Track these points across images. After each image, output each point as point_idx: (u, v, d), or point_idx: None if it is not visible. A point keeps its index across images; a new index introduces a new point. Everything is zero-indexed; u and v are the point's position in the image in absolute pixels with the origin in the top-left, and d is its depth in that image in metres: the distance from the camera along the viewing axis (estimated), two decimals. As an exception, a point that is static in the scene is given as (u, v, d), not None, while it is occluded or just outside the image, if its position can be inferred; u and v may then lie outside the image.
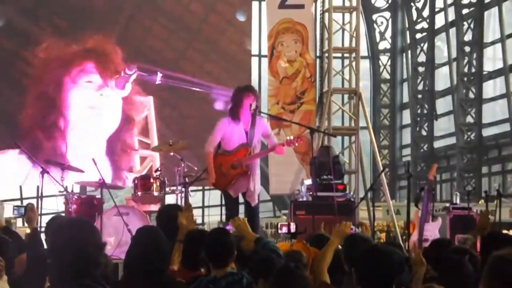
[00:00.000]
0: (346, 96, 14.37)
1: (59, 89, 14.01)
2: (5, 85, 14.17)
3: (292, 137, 9.36)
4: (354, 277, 4.36)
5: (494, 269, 3.34)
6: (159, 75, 14.39)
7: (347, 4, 14.81)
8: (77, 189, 12.18)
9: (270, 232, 15.74)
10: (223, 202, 9.85)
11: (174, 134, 14.26)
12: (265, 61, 15.80)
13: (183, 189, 10.13)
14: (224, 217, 10.21)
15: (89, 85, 14.10)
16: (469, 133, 19.62)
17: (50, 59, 14.04)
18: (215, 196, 13.96)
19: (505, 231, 11.16)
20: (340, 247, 5.69)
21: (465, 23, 19.57)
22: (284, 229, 6.94)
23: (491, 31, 19.79)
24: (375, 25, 22.93)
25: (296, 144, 9.36)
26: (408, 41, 22.24)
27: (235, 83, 14.48)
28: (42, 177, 9.56)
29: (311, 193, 10.55)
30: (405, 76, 22.82)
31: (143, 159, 14.39)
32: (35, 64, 14.09)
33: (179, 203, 10.04)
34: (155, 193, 10.12)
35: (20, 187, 17.99)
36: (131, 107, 14.37)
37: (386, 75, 23.18)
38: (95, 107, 14.19)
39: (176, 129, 14.47)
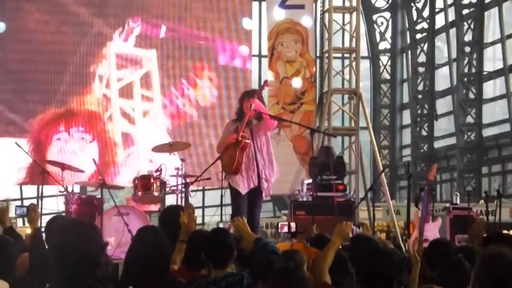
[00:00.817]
0: (346, 97, 14.38)
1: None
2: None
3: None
4: (355, 277, 4.37)
5: (483, 266, 3.38)
6: (164, 28, 14.58)
7: (347, 4, 14.81)
8: (77, 189, 12.19)
9: (270, 232, 15.73)
10: (223, 202, 9.83)
11: (177, 87, 14.49)
12: (265, 62, 15.82)
13: (184, 189, 10.14)
14: (224, 217, 10.20)
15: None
16: (469, 134, 19.62)
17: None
18: (215, 196, 13.96)
19: (505, 232, 11.19)
20: (340, 247, 5.69)
21: (465, 23, 19.57)
22: (285, 229, 6.94)
23: (491, 32, 19.79)
24: (375, 26, 22.93)
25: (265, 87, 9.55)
26: (408, 41, 22.24)
27: (238, 37, 14.77)
28: (42, 177, 9.58)
29: (311, 193, 10.55)
30: (405, 77, 22.82)
31: (145, 113, 14.61)
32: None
33: (179, 203, 10.05)
34: (155, 193, 10.12)
35: (20, 186, 18.00)
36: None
37: (386, 75, 23.18)
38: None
39: (178, 82, 14.66)
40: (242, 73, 14.90)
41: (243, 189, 9.23)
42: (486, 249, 3.47)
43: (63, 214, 10.10)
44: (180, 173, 10.25)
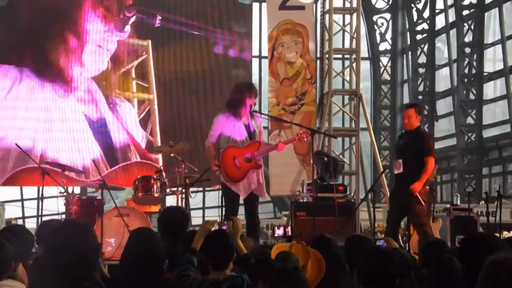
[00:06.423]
0: (346, 97, 14.38)
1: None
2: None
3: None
4: (356, 277, 4.36)
5: (487, 273, 3.37)
6: (159, 17, 14.68)
7: (347, 5, 14.80)
8: (77, 190, 12.19)
9: (271, 233, 15.73)
10: (223, 203, 9.82)
11: (172, 76, 14.72)
12: (265, 62, 15.82)
13: (184, 190, 10.14)
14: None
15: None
16: (469, 134, 19.60)
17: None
18: (215, 198, 13.97)
19: (505, 233, 11.19)
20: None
21: (465, 24, 19.55)
22: (280, 232, 6.94)
23: (492, 32, 19.78)
24: (375, 26, 22.92)
25: (301, 139, 9.47)
26: (409, 42, 22.23)
27: (235, 27, 14.85)
28: (43, 178, 9.58)
29: (311, 194, 10.55)
30: (405, 77, 22.80)
31: (140, 102, 14.73)
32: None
33: (179, 204, 10.05)
34: (156, 194, 10.12)
35: (21, 188, 18.00)
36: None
37: (386, 76, 23.16)
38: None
39: (173, 72, 14.84)
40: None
41: (244, 193, 9.19)
42: (492, 255, 3.45)
43: (55, 217, 10.10)
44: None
